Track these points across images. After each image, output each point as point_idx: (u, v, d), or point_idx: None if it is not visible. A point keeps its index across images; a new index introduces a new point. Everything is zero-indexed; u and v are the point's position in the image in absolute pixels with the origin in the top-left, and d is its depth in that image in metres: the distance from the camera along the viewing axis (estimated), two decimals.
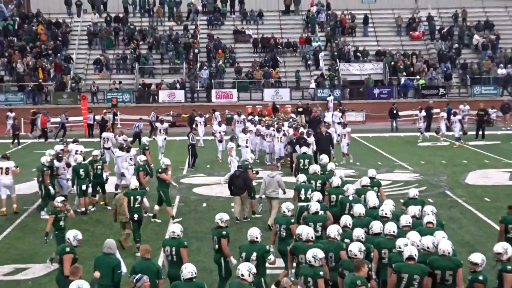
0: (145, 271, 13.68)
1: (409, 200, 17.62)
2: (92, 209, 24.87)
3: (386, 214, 15.74)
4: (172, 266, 15.01)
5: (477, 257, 12.52)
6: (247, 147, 31.70)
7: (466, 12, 64.70)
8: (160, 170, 23.18)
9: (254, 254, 14.48)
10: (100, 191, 25.49)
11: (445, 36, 62.39)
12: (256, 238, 14.69)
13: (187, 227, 21.07)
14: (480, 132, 42.41)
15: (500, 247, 13.13)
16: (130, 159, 26.71)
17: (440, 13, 66.07)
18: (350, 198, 18.05)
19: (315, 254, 13.10)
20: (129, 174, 26.32)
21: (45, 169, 23.94)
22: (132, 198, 19.83)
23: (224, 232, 15.53)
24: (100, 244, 15.17)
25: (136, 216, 19.87)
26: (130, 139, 34.67)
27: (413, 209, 16.12)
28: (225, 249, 15.47)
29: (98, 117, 44.74)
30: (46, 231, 18.18)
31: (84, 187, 24.52)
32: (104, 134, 33.87)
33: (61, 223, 17.94)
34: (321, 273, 13.01)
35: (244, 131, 33.22)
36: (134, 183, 21.01)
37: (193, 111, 46.02)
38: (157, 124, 37.58)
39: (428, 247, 13.54)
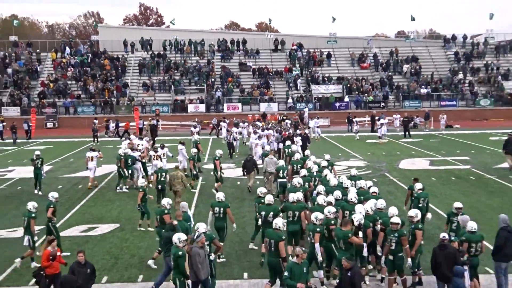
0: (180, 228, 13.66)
1: (351, 176, 18.06)
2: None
3: (347, 185, 16.43)
4: (218, 220, 15.14)
5: (398, 220, 12.72)
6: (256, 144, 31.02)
7: (398, 50, 65.03)
8: (216, 158, 23.33)
9: (271, 213, 14.65)
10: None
11: (385, 68, 62.33)
12: (272, 201, 14.93)
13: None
14: (407, 133, 42.78)
15: (412, 212, 13.28)
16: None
17: (381, 50, 66.07)
18: (314, 173, 18.87)
19: (316, 216, 13.19)
20: (183, 158, 27.28)
21: (121, 157, 24.11)
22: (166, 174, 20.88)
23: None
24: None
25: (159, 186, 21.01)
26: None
27: (361, 183, 16.80)
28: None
29: (146, 122, 44.71)
30: (138, 203, 18.12)
31: (130, 171, 24.54)
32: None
33: (146, 197, 18.17)
34: (318, 229, 13.00)
35: (255, 133, 32.86)
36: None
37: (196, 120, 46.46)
38: (192, 128, 37.38)
39: (383, 207, 13.99)
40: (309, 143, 30.76)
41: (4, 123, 46.29)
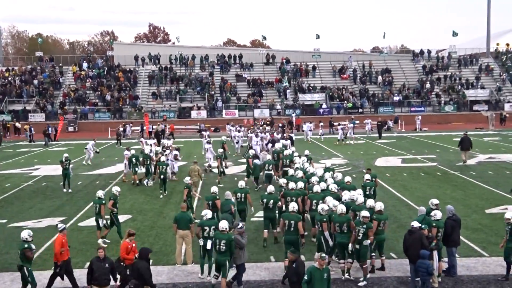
0: (183, 219, 13.63)
1: (326, 168, 18.79)
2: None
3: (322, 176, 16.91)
4: (240, 204, 15.54)
5: (367, 213, 12.36)
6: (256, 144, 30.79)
7: (371, 64, 65.01)
8: (250, 157, 23.41)
9: (271, 201, 14.95)
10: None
11: (363, 81, 62.22)
12: (273, 191, 15.15)
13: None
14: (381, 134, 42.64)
15: (378, 204, 13.09)
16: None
17: (359, 64, 66.04)
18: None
19: (322, 207, 12.94)
20: (211, 156, 27.42)
21: (147, 156, 24.18)
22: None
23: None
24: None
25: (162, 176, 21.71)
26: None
27: (337, 174, 17.14)
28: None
29: (155, 126, 44.44)
30: (183, 199, 17.43)
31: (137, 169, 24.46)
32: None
33: (191, 193, 17.92)
34: (324, 219, 12.56)
35: (256, 135, 32.01)
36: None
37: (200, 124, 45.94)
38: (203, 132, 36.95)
39: (357, 198, 13.78)
40: (292, 144, 30.69)
41: (32, 128, 46.00)
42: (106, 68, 64.02)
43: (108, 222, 15.60)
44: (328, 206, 13.01)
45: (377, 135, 42.98)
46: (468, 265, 13.14)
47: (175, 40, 79.04)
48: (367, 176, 16.91)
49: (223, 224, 11.66)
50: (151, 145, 28.98)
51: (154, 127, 43.93)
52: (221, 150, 25.78)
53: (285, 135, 33.03)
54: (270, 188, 15.27)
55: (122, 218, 18.34)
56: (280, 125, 42.16)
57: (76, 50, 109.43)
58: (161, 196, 21.60)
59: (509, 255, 12.09)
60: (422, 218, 12.47)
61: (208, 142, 28.00)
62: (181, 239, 13.55)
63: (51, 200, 21.63)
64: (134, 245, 11.62)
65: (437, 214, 12.44)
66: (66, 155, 24.06)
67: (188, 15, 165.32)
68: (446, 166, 28.07)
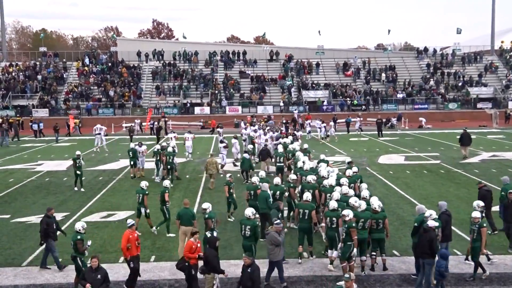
0: (186, 215, 13.68)
1: (321, 160, 19.33)
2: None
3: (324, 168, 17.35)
4: (251, 200, 15.67)
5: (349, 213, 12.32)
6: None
7: (370, 61, 64.61)
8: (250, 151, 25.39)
9: (278, 192, 15.49)
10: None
11: (368, 80, 61.95)
12: (279, 182, 15.89)
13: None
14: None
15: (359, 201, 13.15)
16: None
17: (363, 60, 65.75)
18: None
19: (333, 206, 13.13)
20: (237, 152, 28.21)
21: (161, 151, 24.15)
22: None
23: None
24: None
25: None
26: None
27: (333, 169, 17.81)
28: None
29: (156, 123, 44.41)
30: (226, 196, 17.38)
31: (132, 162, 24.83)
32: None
33: (231, 190, 17.45)
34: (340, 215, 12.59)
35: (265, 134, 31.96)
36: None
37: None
38: (218, 129, 35.90)
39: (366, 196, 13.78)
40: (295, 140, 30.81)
41: (41, 123, 46.18)
42: (109, 64, 64.05)
43: (148, 212, 16.06)
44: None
45: (370, 132, 42.54)
46: (471, 262, 13.07)
47: (181, 37, 78.97)
48: (354, 169, 16.88)
49: (248, 212, 12.56)
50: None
51: (156, 123, 43.91)
52: (251, 146, 27.09)
53: (289, 131, 33.08)
54: (277, 180, 15.92)
55: (125, 214, 18.42)
56: (284, 121, 41.95)
57: (80, 45, 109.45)
58: (158, 180, 23.01)
59: (477, 254, 12.16)
60: (421, 218, 12.26)
61: (235, 137, 28.36)
62: (184, 235, 13.56)
63: (54, 196, 21.67)
64: (199, 245, 11.46)
65: (433, 214, 12.16)
66: (78, 152, 23.09)
67: (192, 11, 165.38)
68: (450, 164, 27.99)
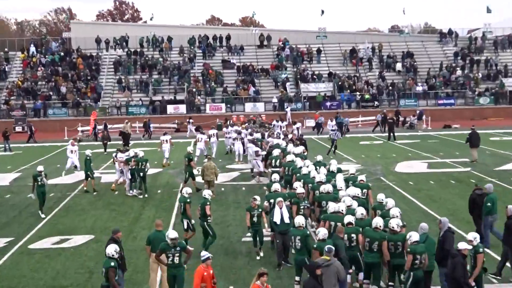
0: (159, 239, 13.51)
1: (317, 162, 21.19)
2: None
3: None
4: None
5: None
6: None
7: (383, 46, 64.92)
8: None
9: (278, 198, 16.00)
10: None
11: (381, 70, 62.20)
12: (279, 189, 17.18)
13: None
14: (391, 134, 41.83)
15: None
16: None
17: (374, 45, 65.89)
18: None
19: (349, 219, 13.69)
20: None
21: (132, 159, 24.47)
22: None
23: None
24: None
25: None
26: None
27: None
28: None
29: (122, 125, 44.06)
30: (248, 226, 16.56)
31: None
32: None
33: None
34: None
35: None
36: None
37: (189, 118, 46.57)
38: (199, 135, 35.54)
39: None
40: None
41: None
42: (61, 53, 63.84)
43: (193, 223, 16.49)
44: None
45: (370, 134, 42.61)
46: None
47: (149, 19, 78.88)
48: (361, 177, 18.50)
49: (299, 220, 13.56)
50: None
51: (121, 125, 43.69)
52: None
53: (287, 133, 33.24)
54: (275, 187, 17.27)
55: (83, 238, 18.28)
56: (280, 121, 41.98)
57: (25, 31, 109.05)
58: (141, 196, 23.76)
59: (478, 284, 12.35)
60: (425, 237, 12.65)
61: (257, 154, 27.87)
62: (156, 265, 13.48)
63: None
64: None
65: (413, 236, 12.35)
66: (40, 168, 22.16)
67: None
68: (482, 171, 28.11)
